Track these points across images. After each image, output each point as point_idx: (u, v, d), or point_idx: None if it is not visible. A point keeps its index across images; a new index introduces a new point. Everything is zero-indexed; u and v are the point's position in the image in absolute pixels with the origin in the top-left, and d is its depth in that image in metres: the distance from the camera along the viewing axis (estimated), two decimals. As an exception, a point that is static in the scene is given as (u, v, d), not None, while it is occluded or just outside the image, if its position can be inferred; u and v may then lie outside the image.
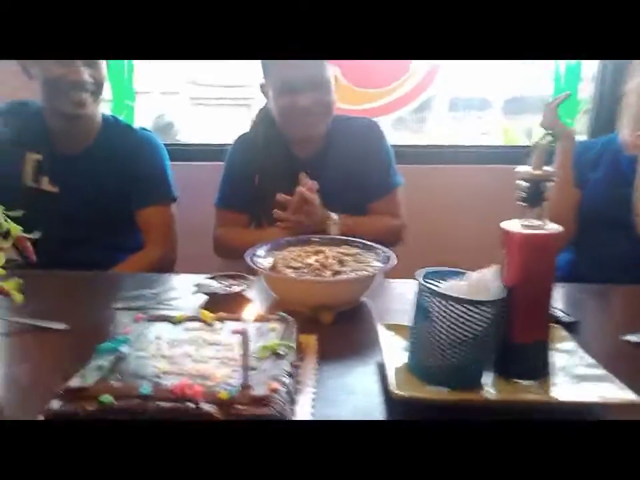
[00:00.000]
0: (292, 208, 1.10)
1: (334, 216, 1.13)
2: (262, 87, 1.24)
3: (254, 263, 0.87)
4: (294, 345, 0.63)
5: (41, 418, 0.52)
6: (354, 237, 0.99)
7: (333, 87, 1.20)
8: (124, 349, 0.60)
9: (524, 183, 0.59)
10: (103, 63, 1.19)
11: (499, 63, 2.03)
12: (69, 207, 1.22)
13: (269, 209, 1.22)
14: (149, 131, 1.33)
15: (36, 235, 0.65)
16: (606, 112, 1.70)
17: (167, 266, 1.28)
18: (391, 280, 0.97)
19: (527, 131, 2.24)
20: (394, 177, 1.28)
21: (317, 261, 0.87)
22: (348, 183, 1.22)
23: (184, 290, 0.92)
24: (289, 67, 1.15)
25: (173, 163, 1.34)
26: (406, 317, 0.67)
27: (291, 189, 1.15)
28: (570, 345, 0.68)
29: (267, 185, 1.23)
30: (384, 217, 1.24)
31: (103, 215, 1.24)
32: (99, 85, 1.18)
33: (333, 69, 1.21)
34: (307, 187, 1.10)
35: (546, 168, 0.58)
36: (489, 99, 2.81)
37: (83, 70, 1.14)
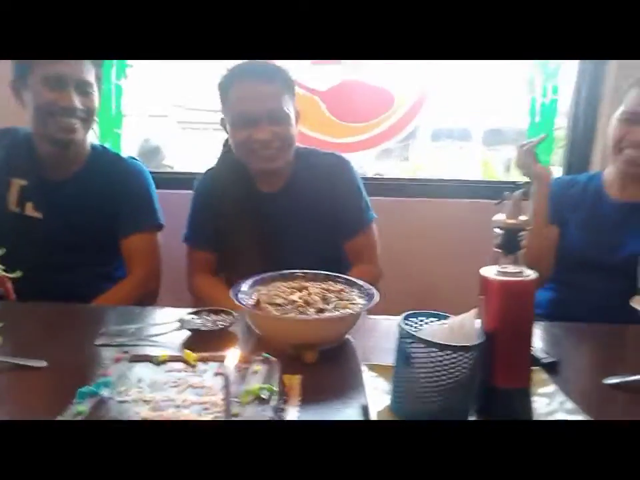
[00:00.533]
0: None
1: None
2: (222, 120, 1.24)
3: (238, 300, 0.87)
4: (277, 387, 0.64)
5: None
6: None
7: (294, 120, 1.20)
8: (105, 392, 0.60)
9: (500, 231, 0.61)
10: (95, 92, 1.20)
11: (480, 93, 2.09)
12: (53, 233, 1.21)
13: (231, 246, 1.21)
14: (137, 160, 1.33)
15: (17, 274, 0.65)
16: (580, 146, 1.76)
17: (150, 294, 1.27)
18: (373, 317, 0.98)
19: (506, 162, 2.30)
20: (367, 213, 1.27)
21: (300, 297, 0.88)
22: (317, 219, 1.21)
23: (167, 325, 0.91)
24: (246, 100, 1.15)
25: (159, 190, 1.35)
26: (389, 354, 0.67)
27: (254, 225, 1.14)
28: (550, 388, 0.70)
29: (229, 221, 1.21)
30: (360, 270, 1.19)
31: (88, 242, 1.24)
32: (89, 113, 1.19)
33: (294, 103, 1.21)
34: None
35: (521, 217, 0.60)
36: (469, 130, 2.90)
37: (74, 96, 1.15)
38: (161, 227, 1.31)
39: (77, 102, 1.16)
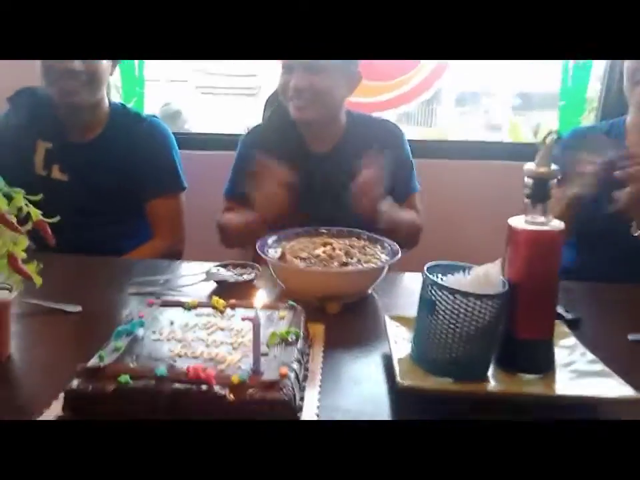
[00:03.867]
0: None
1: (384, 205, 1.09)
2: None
3: (263, 253, 0.89)
4: (302, 332, 0.65)
5: (61, 397, 0.54)
6: (392, 227, 1.03)
7: (339, 77, 1.16)
8: (139, 331, 0.63)
9: (529, 180, 0.60)
10: None
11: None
12: (78, 195, 1.23)
13: None
14: (158, 119, 1.33)
15: (55, 219, 0.67)
16: (613, 111, 1.69)
17: (174, 256, 1.29)
18: (398, 273, 0.99)
19: (535, 127, 2.24)
20: (412, 183, 1.26)
21: (324, 252, 0.89)
22: None
23: (194, 277, 0.94)
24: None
25: (181, 151, 1.36)
26: (412, 309, 0.68)
27: (304, 184, 1.14)
28: (571, 340, 0.70)
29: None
30: (413, 213, 1.21)
31: (112, 203, 1.25)
32: (92, 75, 1.16)
33: (352, 65, 1.19)
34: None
35: (552, 166, 0.60)
36: (496, 94, 2.81)
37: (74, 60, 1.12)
38: (184, 189, 1.31)
39: (77, 64, 1.13)
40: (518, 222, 0.61)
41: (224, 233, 1.23)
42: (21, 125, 1.23)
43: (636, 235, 1.01)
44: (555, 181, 0.60)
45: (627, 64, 1.12)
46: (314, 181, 1.19)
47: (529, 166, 0.61)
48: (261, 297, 0.60)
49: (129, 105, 1.41)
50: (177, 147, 1.33)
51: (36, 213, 0.65)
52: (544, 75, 2.02)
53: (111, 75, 1.29)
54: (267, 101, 1.42)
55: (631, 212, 1.00)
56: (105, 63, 1.19)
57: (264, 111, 1.44)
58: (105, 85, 1.23)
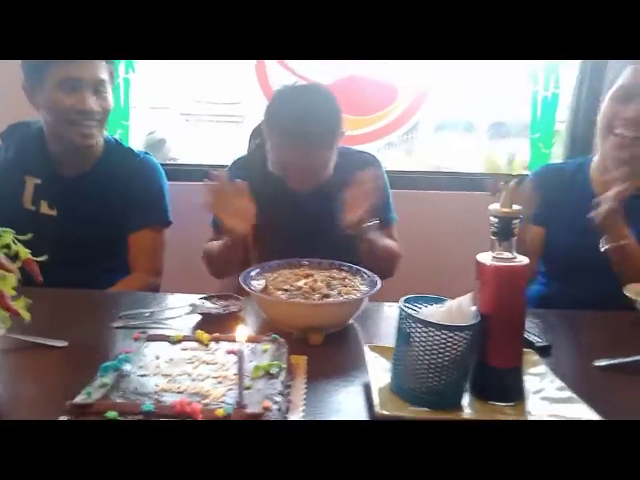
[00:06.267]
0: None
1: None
2: (262, 125, 1.23)
3: (246, 285, 0.91)
4: (285, 365, 0.68)
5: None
6: (372, 251, 1.05)
7: (334, 146, 1.19)
8: (126, 367, 0.64)
9: (494, 219, 0.65)
10: (109, 90, 1.20)
11: (483, 86, 2.11)
12: (67, 230, 1.23)
13: (260, 237, 1.24)
14: (151, 156, 1.34)
15: (43, 258, 0.69)
16: (582, 141, 1.78)
17: (151, 290, 1.28)
18: (378, 303, 1.02)
19: (510, 157, 2.33)
20: (389, 214, 1.30)
21: (306, 284, 0.92)
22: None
23: (179, 310, 0.95)
24: (295, 121, 1.12)
25: (168, 183, 1.38)
26: (392, 338, 0.72)
27: (287, 220, 1.17)
28: (541, 368, 0.74)
29: (260, 215, 1.22)
30: (393, 242, 1.25)
31: (100, 238, 1.25)
32: (104, 114, 1.20)
33: (342, 131, 1.20)
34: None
35: (514, 206, 0.64)
36: (473, 123, 2.91)
37: (90, 98, 1.16)
38: (169, 223, 1.32)
39: (93, 104, 1.16)
40: (486, 258, 0.66)
41: (208, 262, 1.24)
42: (10, 160, 1.25)
43: (603, 249, 1.05)
44: (518, 220, 0.65)
45: (604, 110, 1.11)
46: (296, 217, 1.21)
47: (494, 206, 0.65)
48: (244, 330, 0.63)
49: (120, 140, 1.41)
50: (167, 184, 1.34)
51: (25, 252, 0.67)
52: (514, 103, 2.12)
53: None
54: (253, 132, 1.46)
55: (604, 229, 1.04)
56: (111, 100, 1.21)
57: (249, 142, 1.48)
58: None
